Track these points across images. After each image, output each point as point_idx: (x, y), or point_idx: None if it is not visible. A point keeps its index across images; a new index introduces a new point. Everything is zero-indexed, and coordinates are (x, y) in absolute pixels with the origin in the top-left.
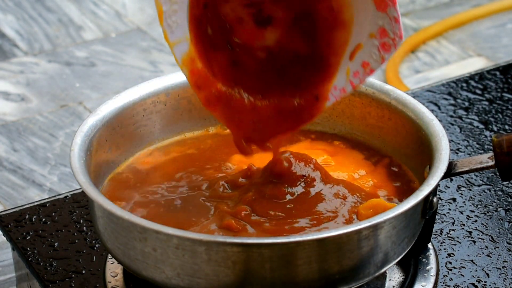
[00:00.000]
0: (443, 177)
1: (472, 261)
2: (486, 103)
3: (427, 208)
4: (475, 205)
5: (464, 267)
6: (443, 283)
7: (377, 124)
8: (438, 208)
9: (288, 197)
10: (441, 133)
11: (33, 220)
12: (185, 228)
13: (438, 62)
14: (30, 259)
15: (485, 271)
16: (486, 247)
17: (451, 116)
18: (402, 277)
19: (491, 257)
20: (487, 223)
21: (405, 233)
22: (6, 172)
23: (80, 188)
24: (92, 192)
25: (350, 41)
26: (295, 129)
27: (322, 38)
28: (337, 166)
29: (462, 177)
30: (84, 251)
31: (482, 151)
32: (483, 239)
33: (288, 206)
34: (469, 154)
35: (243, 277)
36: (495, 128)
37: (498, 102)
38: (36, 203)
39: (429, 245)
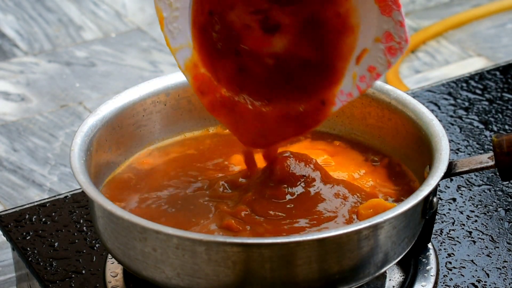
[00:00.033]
0: (443, 177)
1: (472, 261)
2: (486, 103)
3: (427, 208)
4: (475, 205)
5: (464, 267)
6: (443, 283)
7: (377, 124)
8: (438, 208)
9: (288, 197)
10: (441, 133)
11: (33, 220)
12: (185, 228)
13: (438, 62)
14: (30, 259)
15: (485, 271)
16: (486, 247)
17: (451, 116)
18: (402, 277)
19: (491, 257)
20: (487, 223)
21: (405, 233)
22: (6, 172)
23: (80, 188)
24: (92, 192)
25: (356, 46)
26: (301, 135)
27: (329, 43)
28: (337, 166)
29: (462, 177)
30: (84, 251)
31: (482, 151)
32: (483, 239)
33: (288, 206)
34: (469, 154)
35: (243, 277)
36: (495, 128)
37: (498, 102)
38: (36, 203)
39: (429, 245)
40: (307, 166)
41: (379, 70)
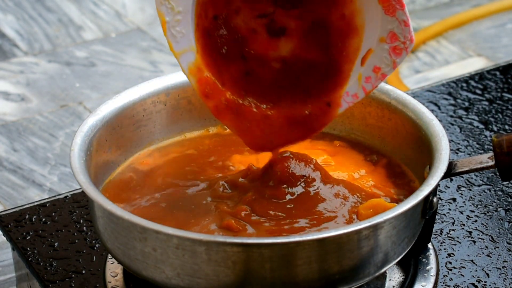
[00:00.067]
0: (443, 177)
1: (472, 261)
2: (486, 103)
3: (427, 208)
4: (475, 205)
5: (464, 267)
6: (443, 283)
7: (377, 124)
8: (438, 208)
9: (288, 197)
10: (441, 133)
11: (33, 220)
12: (185, 228)
13: (438, 62)
14: (30, 259)
15: (485, 271)
16: (486, 247)
17: (451, 116)
18: (402, 277)
19: (491, 257)
20: (487, 223)
21: (405, 233)
22: (6, 172)
23: (80, 188)
24: (92, 192)
25: (361, 47)
26: (307, 138)
27: (334, 45)
28: (337, 166)
29: (462, 177)
30: (84, 251)
31: (482, 151)
32: (483, 239)
33: (288, 206)
34: (469, 154)
35: (243, 277)
36: (495, 128)
37: (498, 102)
38: (36, 203)
39: (429, 245)
40: (307, 166)
41: (385, 70)
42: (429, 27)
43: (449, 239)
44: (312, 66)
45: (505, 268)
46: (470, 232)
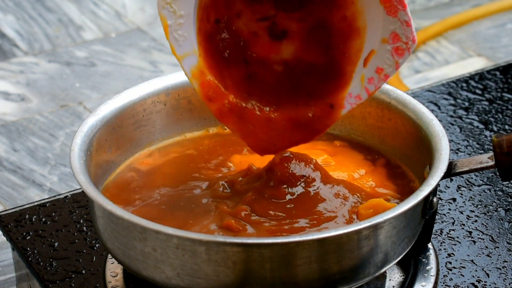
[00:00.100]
0: (443, 177)
1: (472, 261)
2: (486, 103)
3: (427, 208)
4: (475, 205)
5: (464, 267)
6: (443, 283)
7: (377, 124)
8: (438, 208)
9: (288, 197)
10: (441, 133)
11: (33, 220)
12: (185, 228)
13: (438, 62)
14: (30, 259)
15: (485, 271)
16: (486, 247)
17: (451, 116)
18: (402, 277)
19: (491, 257)
20: (487, 223)
21: (405, 233)
22: (6, 172)
23: (80, 188)
24: (92, 192)
25: (363, 48)
26: (311, 140)
27: (336, 47)
28: (337, 166)
29: (462, 177)
30: (84, 251)
31: (482, 151)
32: (483, 239)
33: (288, 206)
34: (469, 154)
35: (243, 277)
36: (495, 128)
37: (498, 102)
38: (36, 203)
39: (429, 245)
40: (307, 166)
41: (387, 71)
42: (429, 27)
43: (449, 239)
44: (314, 68)
45: (505, 268)
46: (470, 232)
